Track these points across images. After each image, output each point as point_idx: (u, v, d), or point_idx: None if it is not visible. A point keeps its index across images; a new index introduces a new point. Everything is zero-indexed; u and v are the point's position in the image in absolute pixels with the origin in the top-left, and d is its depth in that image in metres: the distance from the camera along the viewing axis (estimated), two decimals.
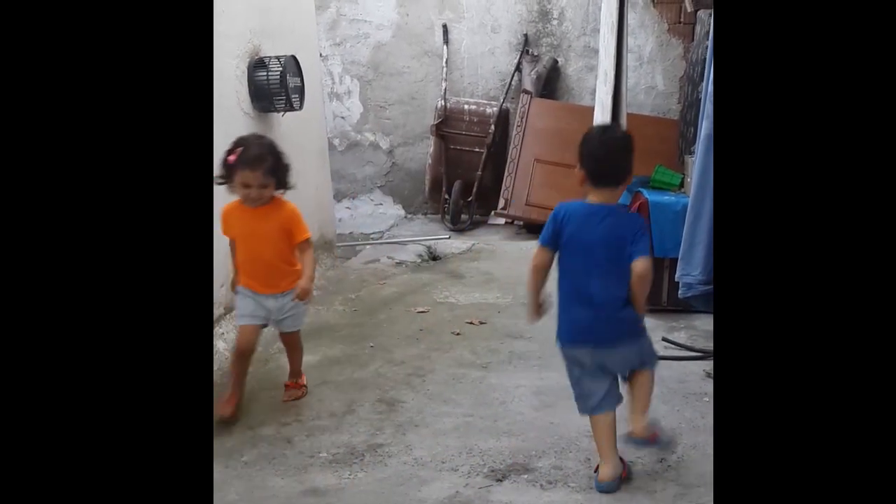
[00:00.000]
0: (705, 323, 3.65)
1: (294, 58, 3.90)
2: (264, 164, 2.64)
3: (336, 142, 6.61)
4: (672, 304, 3.76)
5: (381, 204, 6.75)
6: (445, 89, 6.28)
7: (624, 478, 2.32)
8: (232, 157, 2.60)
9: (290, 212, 2.78)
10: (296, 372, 3.03)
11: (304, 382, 3.04)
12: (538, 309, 2.35)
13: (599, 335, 2.26)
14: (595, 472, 2.33)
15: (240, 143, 2.67)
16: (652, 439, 2.31)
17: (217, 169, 2.61)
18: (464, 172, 6.13)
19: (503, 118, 6.20)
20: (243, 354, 2.81)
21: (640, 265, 2.21)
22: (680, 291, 3.20)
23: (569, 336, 2.32)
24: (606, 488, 2.29)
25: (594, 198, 2.29)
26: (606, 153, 2.28)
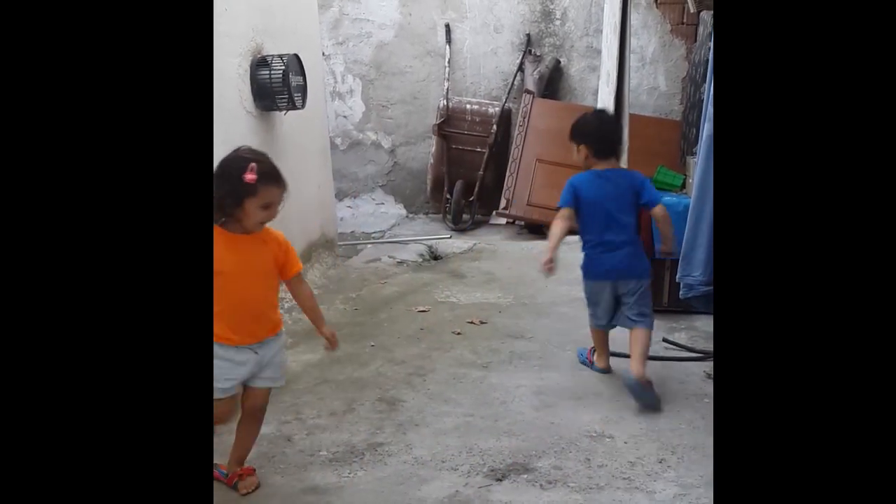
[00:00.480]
0: (706, 324, 3.65)
1: (297, 56, 3.90)
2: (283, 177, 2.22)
3: (338, 141, 6.62)
4: (673, 305, 3.76)
5: (382, 203, 6.76)
6: (448, 89, 6.28)
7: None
8: (251, 175, 2.09)
9: (281, 239, 2.29)
10: (241, 459, 2.37)
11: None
12: (553, 251, 2.84)
13: (618, 272, 2.94)
14: (591, 363, 3.20)
15: (247, 158, 2.15)
16: (646, 385, 2.81)
17: (222, 194, 2.11)
18: (465, 172, 6.14)
19: (505, 118, 6.21)
20: (222, 424, 2.31)
21: (659, 210, 2.92)
22: (681, 292, 3.20)
23: (595, 275, 3.01)
24: (602, 370, 3.14)
25: (599, 167, 2.95)
26: (606, 132, 3.01)
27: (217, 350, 2.13)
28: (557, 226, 2.87)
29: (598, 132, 2.95)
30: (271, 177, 2.16)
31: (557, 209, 2.95)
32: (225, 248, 2.11)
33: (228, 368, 2.19)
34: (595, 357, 3.18)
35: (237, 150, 2.22)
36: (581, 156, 2.96)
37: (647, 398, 2.80)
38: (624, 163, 4.22)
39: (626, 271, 2.92)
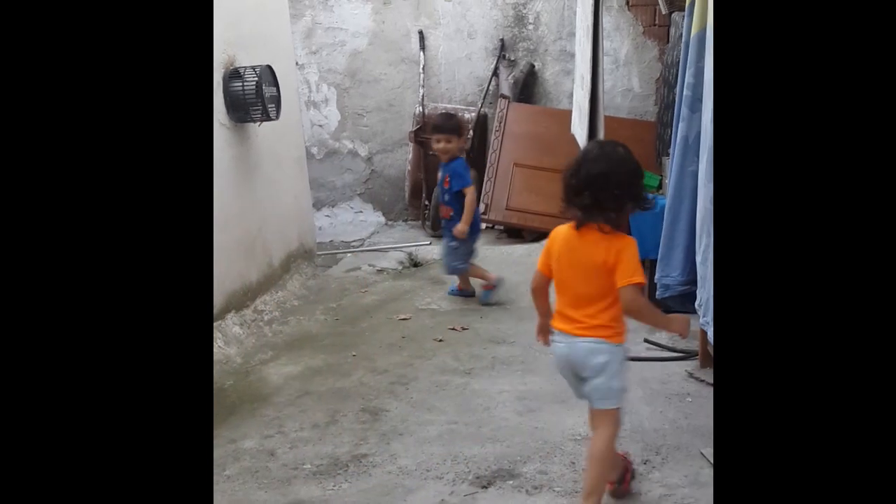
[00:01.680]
0: None
1: (269, 67, 3.88)
2: None
3: (314, 150, 6.59)
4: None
5: (361, 211, 6.73)
6: (423, 95, 6.28)
7: None
8: None
9: None
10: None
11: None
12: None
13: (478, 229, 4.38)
14: (461, 290, 4.35)
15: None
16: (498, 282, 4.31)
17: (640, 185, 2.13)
18: None
19: (481, 123, 6.21)
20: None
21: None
22: (657, 292, 3.21)
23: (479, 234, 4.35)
24: (467, 292, 4.35)
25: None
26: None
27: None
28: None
29: (464, 128, 4.24)
30: None
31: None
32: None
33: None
34: (463, 284, 4.32)
35: (615, 144, 2.18)
36: (461, 145, 4.24)
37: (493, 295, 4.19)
38: None
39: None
